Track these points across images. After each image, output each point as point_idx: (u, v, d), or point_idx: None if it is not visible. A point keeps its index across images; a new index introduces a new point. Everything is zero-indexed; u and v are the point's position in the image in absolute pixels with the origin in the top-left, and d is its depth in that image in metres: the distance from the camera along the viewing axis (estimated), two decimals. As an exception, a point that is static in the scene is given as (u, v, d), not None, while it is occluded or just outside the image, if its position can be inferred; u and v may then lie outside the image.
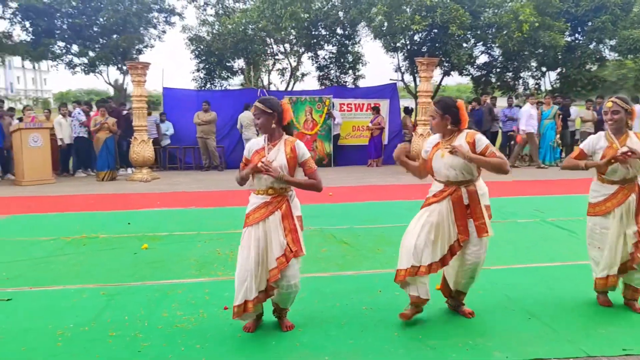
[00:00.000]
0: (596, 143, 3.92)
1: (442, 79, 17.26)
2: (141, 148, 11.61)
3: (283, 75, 18.21)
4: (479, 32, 15.18)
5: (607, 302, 4.05)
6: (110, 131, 11.79)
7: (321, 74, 18.31)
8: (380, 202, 8.73)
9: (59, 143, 12.27)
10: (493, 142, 14.40)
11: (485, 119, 13.65)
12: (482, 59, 16.67)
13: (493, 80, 16.75)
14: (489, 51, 16.44)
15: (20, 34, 16.03)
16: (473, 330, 3.69)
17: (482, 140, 3.65)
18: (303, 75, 18.21)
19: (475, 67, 16.74)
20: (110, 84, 17.79)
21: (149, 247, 5.94)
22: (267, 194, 3.54)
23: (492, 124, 13.98)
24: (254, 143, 3.67)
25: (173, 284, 4.71)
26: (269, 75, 18.01)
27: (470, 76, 16.79)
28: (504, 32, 14.26)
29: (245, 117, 13.93)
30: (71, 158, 12.87)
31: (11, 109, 13.40)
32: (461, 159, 3.59)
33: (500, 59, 16.38)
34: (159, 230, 6.79)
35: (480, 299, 4.20)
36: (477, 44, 16.00)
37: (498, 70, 16.41)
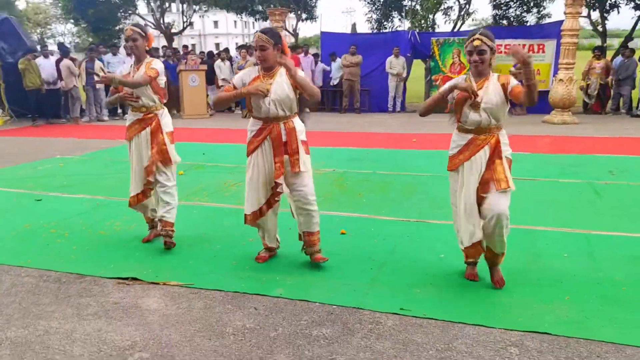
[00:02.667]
0: None
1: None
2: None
3: (447, 15, 17.33)
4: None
5: None
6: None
7: (498, 12, 16.89)
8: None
9: (220, 83, 14.13)
10: None
11: None
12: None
13: None
14: None
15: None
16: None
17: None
18: (469, 14, 17.03)
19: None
20: (288, 31, 19.29)
21: (185, 174, 6.94)
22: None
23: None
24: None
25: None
26: (433, 16, 17.29)
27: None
28: None
29: (391, 60, 14.01)
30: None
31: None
32: None
33: None
34: (214, 161, 7.80)
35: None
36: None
37: None
